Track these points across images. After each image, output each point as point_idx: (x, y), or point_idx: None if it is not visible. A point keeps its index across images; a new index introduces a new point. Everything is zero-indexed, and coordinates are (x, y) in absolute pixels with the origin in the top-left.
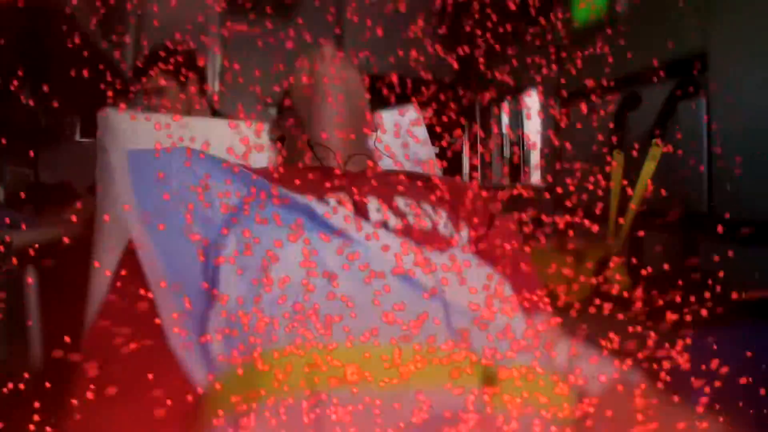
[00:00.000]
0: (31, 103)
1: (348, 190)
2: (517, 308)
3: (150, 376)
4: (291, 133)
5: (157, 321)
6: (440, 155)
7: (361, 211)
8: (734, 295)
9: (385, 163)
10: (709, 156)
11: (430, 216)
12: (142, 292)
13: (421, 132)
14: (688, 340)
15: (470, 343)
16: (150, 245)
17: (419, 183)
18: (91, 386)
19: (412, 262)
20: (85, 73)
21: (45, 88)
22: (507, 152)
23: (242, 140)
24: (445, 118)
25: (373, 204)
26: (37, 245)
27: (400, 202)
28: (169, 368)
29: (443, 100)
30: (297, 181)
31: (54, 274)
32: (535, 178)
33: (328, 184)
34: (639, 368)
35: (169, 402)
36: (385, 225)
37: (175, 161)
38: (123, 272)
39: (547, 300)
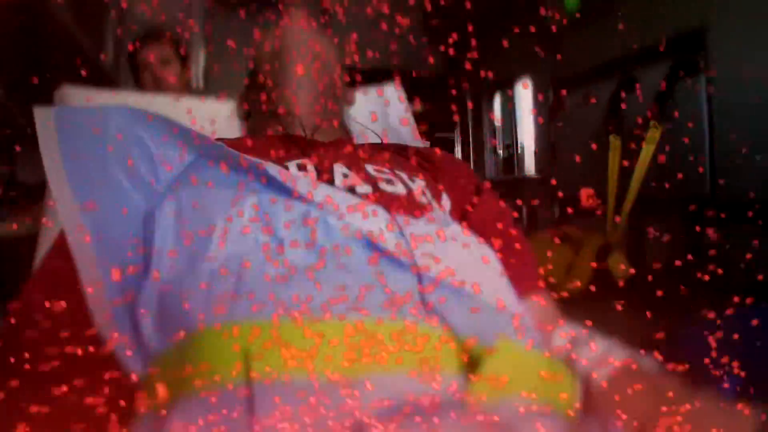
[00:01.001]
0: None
1: (312, 157)
2: (507, 284)
3: (75, 363)
4: (257, 107)
5: (85, 304)
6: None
7: (324, 176)
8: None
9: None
10: (710, 136)
11: (405, 183)
12: (67, 271)
13: (403, 110)
14: (693, 325)
15: (449, 321)
16: (77, 218)
17: (395, 153)
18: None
19: (381, 228)
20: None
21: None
22: (500, 144)
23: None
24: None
25: (339, 169)
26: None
27: (371, 168)
28: (96, 357)
29: (433, 92)
30: (256, 149)
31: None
32: (529, 169)
33: (290, 151)
34: (647, 354)
35: (97, 392)
36: (352, 191)
37: (112, 121)
38: (51, 253)
39: (542, 279)
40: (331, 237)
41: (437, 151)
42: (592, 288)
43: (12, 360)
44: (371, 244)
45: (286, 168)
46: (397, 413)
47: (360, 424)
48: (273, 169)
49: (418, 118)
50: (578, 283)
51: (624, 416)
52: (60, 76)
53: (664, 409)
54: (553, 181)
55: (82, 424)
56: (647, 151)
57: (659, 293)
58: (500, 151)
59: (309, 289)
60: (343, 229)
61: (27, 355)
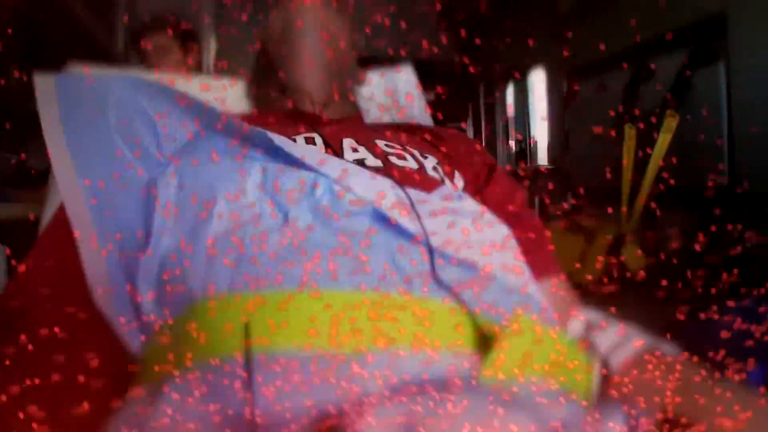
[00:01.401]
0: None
1: (321, 131)
2: (523, 263)
3: (74, 341)
4: (267, 83)
5: (84, 279)
6: None
7: (333, 149)
8: None
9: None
10: (729, 126)
11: (416, 159)
12: (67, 247)
13: (416, 91)
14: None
15: (462, 298)
16: (77, 188)
17: (407, 131)
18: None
19: (391, 201)
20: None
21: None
22: (512, 134)
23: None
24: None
25: (348, 144)
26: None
27: (381, 144)
28: (96, 331)
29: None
30: (264, 124)
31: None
32: (542, 159)
33: (299, 126)
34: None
35: (96, 368)
36: (361, 164)
37: (115, 90)
38: (51, 226)
39: (558, 262)
40: (338, 208)
41: (450, 130)
42: (605, 280)
43: (9, 333)
44: (380, 217)
45: (294, 141)
46: (406, 390)
47: (364, 401)
48: (279, 139)
49: (430, 106)
50: (590, 277)
51: (644, 401)
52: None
53: (684, 393)
54: (568, 170)
55: (78, 398)
56: (663, 140)
57: (673, 284)
58: (512, 142)
59: (314, 261)
60: (351, 200)
61: (24, 330)
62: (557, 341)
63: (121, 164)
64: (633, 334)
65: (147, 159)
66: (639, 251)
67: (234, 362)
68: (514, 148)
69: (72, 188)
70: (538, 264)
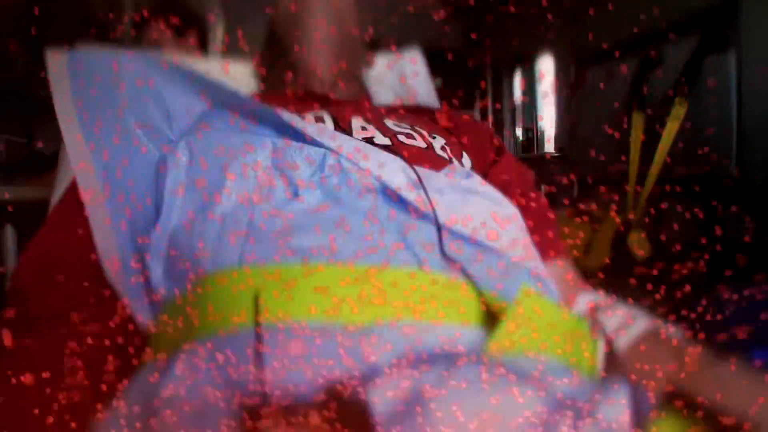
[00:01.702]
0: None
1: (330, 110)
2: (530, 242)
3: (84, 314)
4: (275, 64)
5: (94, 255)
6: None
7: (342, 128)
8: None
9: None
10: (738, 115)
11: (425, 138)
12: (78, 223)
13: (425, 76)
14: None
15: (469, 273)
16: (88, 163)
17: (415, 113)
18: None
19: (400, 178)
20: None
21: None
22: (520, 122)
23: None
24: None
25: (357, 122)
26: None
27: (390, 123)
28: (106, 306)
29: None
30: (273, 103)
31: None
32: (549, 147)
33: (307, 105)
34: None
35: (107, 342)
36: (370, 142)
37: (127, 66)
38: (62, 205)
39: (564, 244)
40: (346, 184)
41: (457, 113)
42: (611, 265)
43: (20, 309)
44: (388, 193)
45: (302, 118)
46: (413, 362)
47: (371, 371)
48: (289, 116)
49: (437, 94)
50: (597, 263)
51: (649, 379)
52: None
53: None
54: (575, 158)
55: (88, 371)
56: (671, 128)
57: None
58: (519, 129)
59: (322, 235)
60: (360, 176)
61: (35, 304)
62: (563, 318)
63: (131, 140)
64: (639, 315)
65: (157, 135)
66: (645, 236)
67: (244, 334)
68: (521, 136)
69: (83, 163)
70: (545, 245)
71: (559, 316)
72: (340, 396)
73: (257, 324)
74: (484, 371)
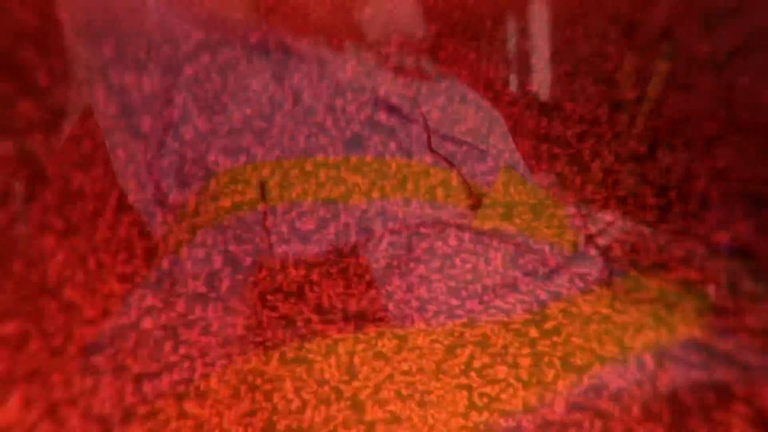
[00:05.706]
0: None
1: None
2: (511, 143)
3: (101, 219)
4: None
5: (110, 165)
6: None
7: (337, 48)
8: None
9: None
10: None
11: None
12: (93, 135)
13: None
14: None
15: (457, 166)
16: (100, 78)
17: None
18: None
19: (392, 86)
20: None
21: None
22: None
23: None
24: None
25: (352, 43)
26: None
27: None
28: (121, 210)
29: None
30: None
31: None
32: (543, 93)
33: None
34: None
35: (122, 244)
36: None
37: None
38: (76, 124)
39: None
40: (343, 94)
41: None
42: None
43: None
44: (382, 100)
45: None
46: (407, 229)
47: (369, 235)
48: (287, 37)
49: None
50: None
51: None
52: None
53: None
54: (567, 103)
55: (105, 271)
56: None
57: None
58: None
59: (321, 136)
60: (355, 86)
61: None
62: (539, 195)
63: (138, 61)
64: (616, 219)
65: (163, 58)
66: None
67: (254, 214)
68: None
69: (95, 79)
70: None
71: (534, 195)
72: (342, 250)
73: (265, 204)
74: (469, 235)
